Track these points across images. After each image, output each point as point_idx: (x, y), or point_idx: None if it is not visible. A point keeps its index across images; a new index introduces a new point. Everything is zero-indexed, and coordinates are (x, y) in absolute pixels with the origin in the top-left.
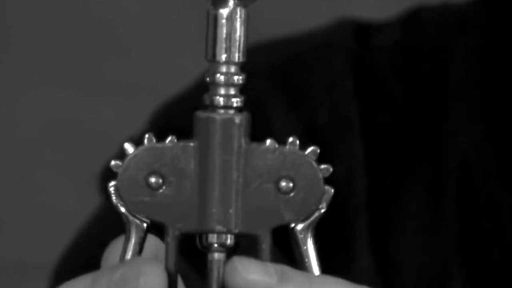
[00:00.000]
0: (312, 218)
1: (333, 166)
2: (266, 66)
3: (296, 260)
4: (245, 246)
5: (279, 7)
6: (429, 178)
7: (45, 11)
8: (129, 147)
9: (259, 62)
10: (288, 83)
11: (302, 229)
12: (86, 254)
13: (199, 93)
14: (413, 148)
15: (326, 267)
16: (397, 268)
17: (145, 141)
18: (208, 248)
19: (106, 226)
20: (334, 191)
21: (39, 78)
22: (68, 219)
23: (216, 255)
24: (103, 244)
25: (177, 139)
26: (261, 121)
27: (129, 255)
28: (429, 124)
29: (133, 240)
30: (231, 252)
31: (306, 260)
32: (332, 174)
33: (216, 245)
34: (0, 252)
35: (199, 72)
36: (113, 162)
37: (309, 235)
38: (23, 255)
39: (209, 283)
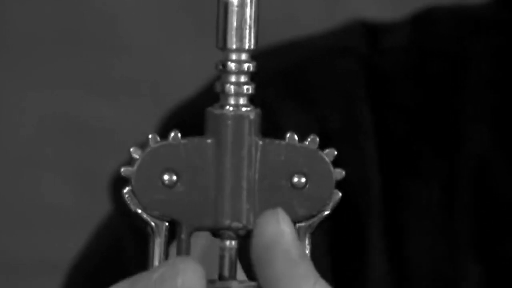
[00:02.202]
0: (313, 219)
1: (346, 171)
2: (276, 72)
3: None
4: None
5: (279, 7)
6: (443, 180)
7: (45, 10)
8: (135, 151)
9: (269, 68)
10: (299, 88)
11: (301, 228)
12: (96, 263)
13: (211, 95)
14: (427, 149)
15: (341, 273)
16: (411, 271)
17: (150, 142)
18: (220, 235)
19: (117, 234)
20: (348, 197)
21: (39, 77)
22: (68, 218)
23: (228, 243)
24: (114, 252)
25: (182, 137)
26: (272, 128)
27: (156, 257)
28: (444, 125)
29: (157, 242)
30: (243, 239)
31: None
32: (345, 180)
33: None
34: None
35: (199, 71)
36: (123, 169)
37: (307, 235)
38: (22, 254)
39: (221, 269)
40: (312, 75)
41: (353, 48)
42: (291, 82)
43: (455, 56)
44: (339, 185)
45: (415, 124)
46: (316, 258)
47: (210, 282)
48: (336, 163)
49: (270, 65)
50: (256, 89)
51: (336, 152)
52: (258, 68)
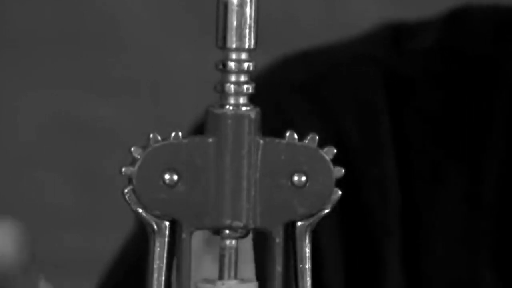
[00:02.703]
0: (314, 217)
1: (365, 187)
2: (298, 84)
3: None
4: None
5: (279, 6)
6: (465, 189)
7: (44, 10)
8: (136, 151)
9: (291, 79)
10: (319, 101)
11: (302, 227)
12: (123, 280)
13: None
14: (449, 157)
15: (358, 285)
16: (428, 283)
17: (150, 141)
18: (220, 234)
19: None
20: (366, 214)
21: (39, 77)
22: (67, 217)
23: (228, 242)
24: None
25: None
26: None
27: (157, 256)
28: (469, 131)
29: (158, 241)
30: (242, 238)
31: (300, 258)
32: (364, 197)
33: (228, 231)
34: None
35: (199, 70)
36: (124, 168)
37: (307, 234)
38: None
39: (221, 268)
40: (333, 87)
41: (375, 57)
42: (312, 94)
43: (486, 59)
44: (339, 183)
45: (437, 130)
46: (330, 274)
47: (210, 281)
48: (355, 179)
49: (292, 76)
50: (281, 100)
51: (335, 151)
52: (282, 78)
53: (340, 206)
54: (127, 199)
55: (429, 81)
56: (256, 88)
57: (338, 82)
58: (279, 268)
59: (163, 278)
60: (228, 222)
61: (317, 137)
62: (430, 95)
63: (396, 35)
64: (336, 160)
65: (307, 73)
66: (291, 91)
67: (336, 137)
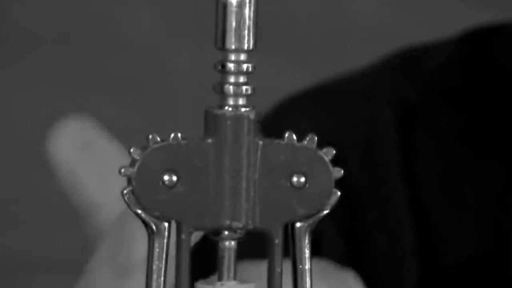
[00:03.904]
0: (313, 218)
1: (376, 227)
2: (309, 128)
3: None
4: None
5: (278, 7)
6: (486, 218)
7: (44, 10)
8: (135, 152)
9: (294, 123)
10: (328, 141)
11: (301, 227)
12: None
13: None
14: (468, 187)
15: None
16: None
17: (150, 142)
18: (219, 236)
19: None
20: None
21: (38, 76)
22: (66, 216)
23: (227, 243)
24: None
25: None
26: None
27: (156, 258)
28: (488, 151)
29: (157, 242)
30: (241, 240)
31: (300, 259)
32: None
33: (227, 233)
34: None
35: (198, 70)
36: (123, 169)
37: (307, 234)
38: (21, 253)
39: (220, 270)
40: (341, 127)
41: (385, 92)
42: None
43: (507, 77)
44: (338, 183)
45: (456, 157)
46: None
47: (209, 283)
48: (364, 221)
49: (300, 120)
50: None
51: (334, 151)
52: (289, 122)
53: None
54: (126, 200)
55: (449, 102)
56: (262, 131)
57: (347, 128)
58: (278, 269)
59: (162, 279)
60: (227, 222)
61: (316, 138)
62: (451, 119)
63: (407, 60)
64: (342, 204)
65: (315, 120)
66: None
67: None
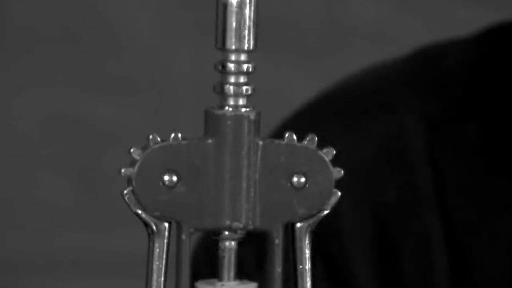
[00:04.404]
0: (313, 218)
1: (407, 246)
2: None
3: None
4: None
5: (278, 7)
6: None
7: (43, 9)
8: (136, 152)
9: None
10: (364, 169)
11: (301, 228)
12: None
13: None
14: (502, 200)
15: None
16: None
17: (150, 142)
18: (220, 236)
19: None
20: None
21: (38, 76)
22: (66, 216)
23: (228, 243)
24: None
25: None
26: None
27: (156, 258)
28: None
29: (158, 243)
30: (241, 240)
31: (300, 259)
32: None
33: (227, 233)
34: None
35: (198, 70)
36: (123, 169)
37: (307, 235)
38: (21, 253)
39: (221, 270)
40: (376, 161)
41: (410, 104)
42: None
43: None
44: (338, 184)
45: (482, 164)
46: None
47: (209, 283)
48: (396, 239)
49: (336, 140)
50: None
51: (335, 152)
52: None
53: (379, 273)
54: (127, 200)
55: (472, 113)
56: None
57: (368, 138)
58: (278, 269)
59: (162, 278)
60: (227, 223)
61: (316, 138)
62: (475, 132)
63: (424, 61)
64: (370, 221)
65: (348, 143)
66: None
67: (372, 196)
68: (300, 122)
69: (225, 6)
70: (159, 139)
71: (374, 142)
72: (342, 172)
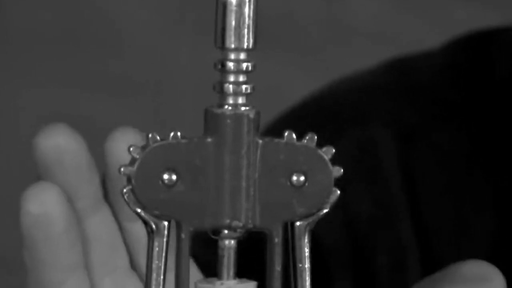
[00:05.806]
0: (313, 217)
1: (380, 256)
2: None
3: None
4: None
5: (278, 6)
6: (490, 243)
7: (44, 9)
8: (135, 151)
9: None
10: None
11: (301, 226)
12: None
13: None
14: (474, 207)
15: None
16: None
17: (149, 141)
18: (219, 235)
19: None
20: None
21: (39, 75)
22: None
23: (227, 242)
24: None
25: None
26: None
27: (156, 257)
28: (496, 166)
29: (157, 242)
30: (241, 239)
31: (299, 258)
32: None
33: (227, 232)
34: None
35: (198, 70)
36: (122, 168)
37: (306, 233)
38: (20, 253)
39: (220, 269)
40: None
41: (379, 116)
42: None
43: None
44: (338, 183)
45: (454, 172)
46: None
47: (209, 281)
48: (370, 249)
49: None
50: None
51: (334, 150)
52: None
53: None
54: (126, 198)
55: (447, 118)
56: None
57: (347, 157)
58: (278, 268)
59: (162, 277)
60: (227, 222)
61: (315, 137)
62: (450, 136)
63: (398, 70)
64: (346, 232)
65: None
66: None
67: (346, 208)
68: (274, 134)
69: (225, 5)
70: (158, 138)
71: (347, 154)
72: (342, 170)
